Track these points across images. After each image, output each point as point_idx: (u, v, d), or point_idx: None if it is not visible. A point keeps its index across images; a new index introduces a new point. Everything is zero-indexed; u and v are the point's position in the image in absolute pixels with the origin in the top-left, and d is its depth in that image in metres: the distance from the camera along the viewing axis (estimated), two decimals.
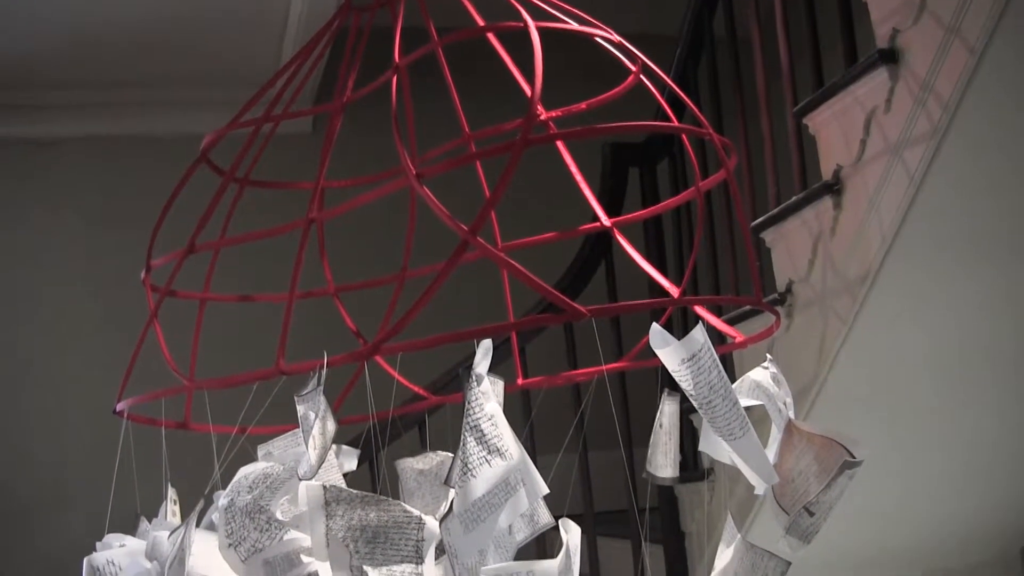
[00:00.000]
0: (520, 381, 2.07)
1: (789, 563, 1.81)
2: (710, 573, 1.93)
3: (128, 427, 1.86)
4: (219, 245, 1.89)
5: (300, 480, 1.59)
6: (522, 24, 1.64)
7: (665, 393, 1.92)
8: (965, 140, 2.53)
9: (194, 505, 1.64)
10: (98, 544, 1.81)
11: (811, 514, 1.85)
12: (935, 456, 3.40)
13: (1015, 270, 2.89)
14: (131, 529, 1.87)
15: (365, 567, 1.49)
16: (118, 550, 1.78)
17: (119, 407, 1.89)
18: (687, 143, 2.30)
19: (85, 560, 1.75)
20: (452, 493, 1.65)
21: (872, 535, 3.50)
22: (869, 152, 2.80)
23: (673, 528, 3.75)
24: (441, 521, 1.61)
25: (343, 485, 1.62)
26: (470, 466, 1.54)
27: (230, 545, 1.58)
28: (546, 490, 1.65)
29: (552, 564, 1.59)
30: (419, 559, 1.54)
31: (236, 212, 2.03)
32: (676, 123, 2.17)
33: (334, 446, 1.84)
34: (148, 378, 1.69)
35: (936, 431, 3.31)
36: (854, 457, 1.79)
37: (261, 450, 1.88)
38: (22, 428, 5.40)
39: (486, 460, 1.56)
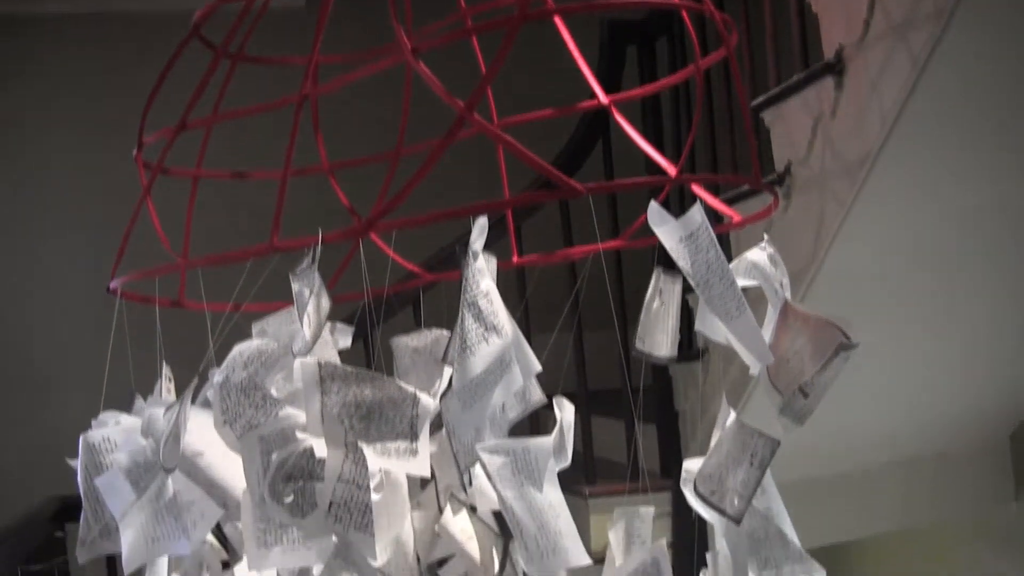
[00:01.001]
0: (515, 259, 2.06)
1: (778, 442, 1.82)
2: (703, 452, 1.94)
3: (122, 306, 1.86)
4: (211, 122, 1.87)
5: (295, 357, 1.59)
6: None
7: (660, 271, 1.91)
8: (971, 23, 2.49)
9: (189, 383, 1.64)
10: (93, 422, 1.82)
11: (805, 395, 1.86)
12: (927, 342, 3.41)
13: (1016, 157, 2.87)
14: (126, 407, 1.87)
15: (360, 443, 1.49)
16: (113, 428, 1.78)
17: (112, 285, 1.88)
18: (687, 20, 2.26)
19: (81, 438, 1.75)
20: (448, 371, 1.65)
21: (863, 419, 3.52)
22: (873, 33, 2.76)
23: (666, 408, 3.77)
24: (440, 399, 1.61)
25: (338, 362, 1.62)
26: (468, 343, 1.54)
27: (225, 422, 1.58)
28: (539, 368, 1.65)
29: (546, 441, 1.60)
30: (414, 436, 1.54)
31: (230, 90, 2.00)
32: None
33: (329, 323, 1.83)
34: (142, 258, 1.69)
35: (929, 317, 3.32)
36: (849, 339, 1.78)
37: (256, 327, 1.88)
38: (16, 309, 5.40)
39: (484, 338, 1.55)
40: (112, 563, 3.16)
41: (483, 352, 1.55)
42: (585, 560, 1.56)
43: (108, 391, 1.95)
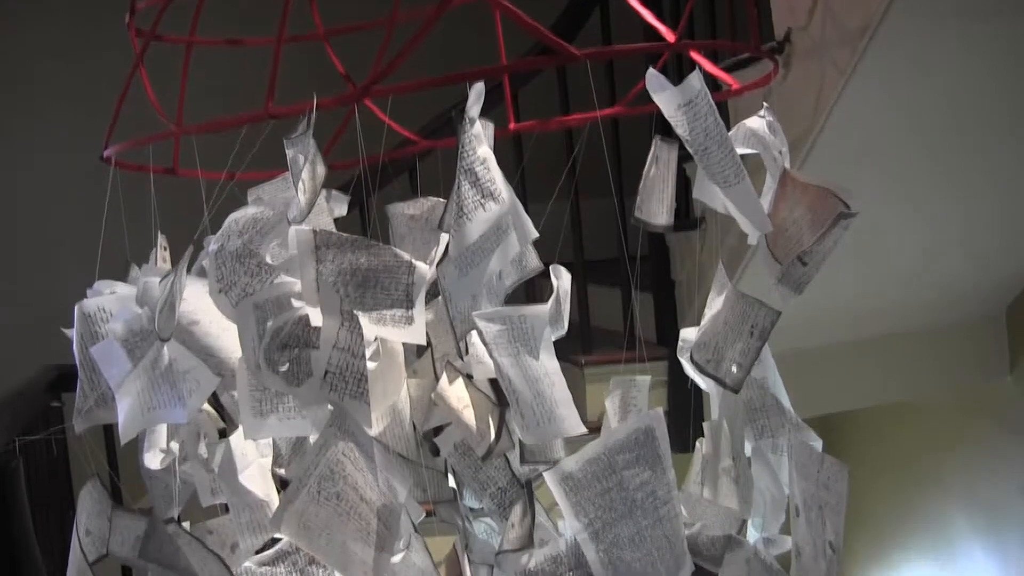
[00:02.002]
0: (512, 126, 2.03)
1: (779, 313, 1.81)
2: (699, 321, 1.94)
3: (116, 175, 1.84)
4: None
5: (290, 224, 1.57)
6: None
7: (659, 139, 1.89)
8: None
9: (184, 251, 1.63)
10: (89, 292, 1.81)
11: (804, 264, 1.85)
12: (924, 214, 3.40)
13: (1018, 30, 2.83)
14: (122, 277, 1.86)
15: (355, 311, 1.49)
16: (108, 297, 1.77)
17: (106, 154, 1.86)
18: None
19: (76, 307, 1.75)
20: (444, 238, 1.64)
21: (859, 290, 3.53)
22: None
23: (663, 277, 3.77)
24: (436, 265, 1.60)
25: (333, 230, 1.60)
26: (465, 210, 1.52)
27: (220, 290, 1.57)
28: (536, 234, 1.64)
29: (543, 309, 1.59)
30: (409, 303, 1.54)
31: None
32: None
33: (324, 191, 1.82)
34: (137, 130, 1.66)
35: (926, 190, 3.31)
36: (849, 208, 1.77)
37: (251, 195, 1.86)
38: (9, 182, 5.37)
39: (480, 204, 1.54)
40: (109, 432, 3.18)
41: (480, 218, 1.54)
42: (580, 429, 1.56)
43: (103, 261, 1.94)
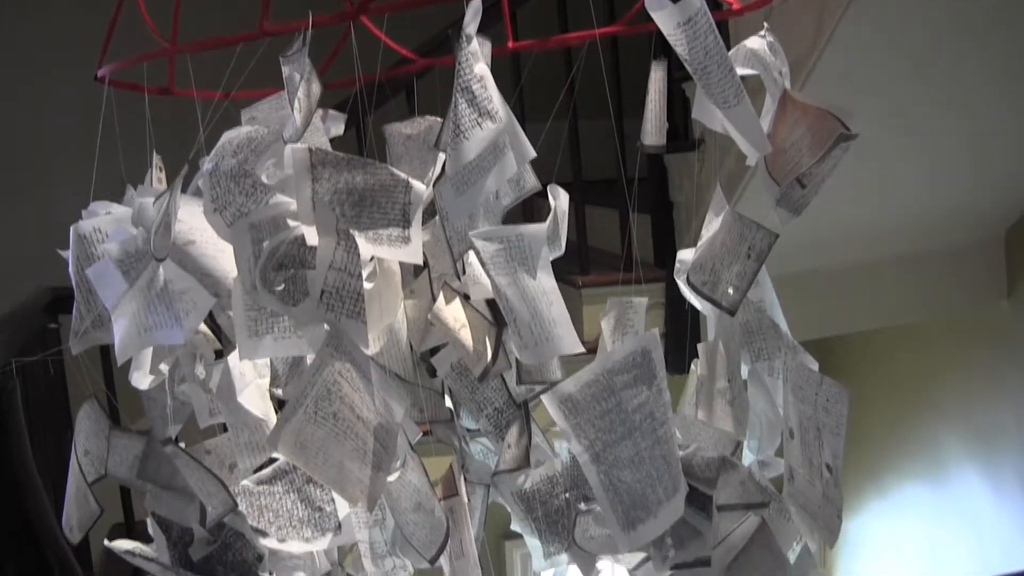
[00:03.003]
0: (511, 44, 2.01)
1: (776, 235, 1.81)
2: (697, 243, 1.93)
3: (111, 94, 1.82)
4: None
5: (285, 143, 1.56)
6: None
7: (656, 60, 1.88)
8: None
9: (179, 171, 1.61)
10: (84, 213, 1.80)
11: (803, 186, 1.84)
12: (923, 137, 3.38)
13: None
14: (117, 198, 1.85)
15: (352, 231, 1.48)
16: (104, 217, 1.76)
17: (100, 73, 1.85)
18: None
19: (72, 228, 1.74)
20: (441, 157, 1.63)
21: (859, 213, 3.52)
22: None
23: (661, 198, 3.75)
24: (433, 184, 1.59)
25: (329, 149, 1.59)
26: (462, 128, 1.51)
27: (215, 210, 1.56)
28: (533, 154, 1.63)
29: (540, 228, 1.59)
30: (406, 223, 1.53)
31: None
32: None
33: (320, 110, 1.80)
34: (132, 49, 1.64)
35: (926, 112, 3.29)
36: (849, 130, 1.76)
37: (245, 114, 1.85)
38: (1, 102, 5.33)
39: (477, 123, 1.52)
40: (107, 353, 3.18)
41: (477, 137, 1.52)
42: (578, 348, 1.56)
43: (98, 182, 1.93)
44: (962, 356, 4.32)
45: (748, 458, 1.94)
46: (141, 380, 1.83)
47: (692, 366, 1.99)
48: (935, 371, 4.45)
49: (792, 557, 1.88)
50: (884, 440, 4.70)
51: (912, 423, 4.56)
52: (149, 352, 1.82)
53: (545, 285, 1.57)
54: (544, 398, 1.59)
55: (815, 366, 1.87)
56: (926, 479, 4.53)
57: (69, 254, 1.76)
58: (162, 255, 1.58)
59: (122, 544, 1.93)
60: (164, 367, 1.84)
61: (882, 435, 4.70)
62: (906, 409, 4.58)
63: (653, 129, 1.91)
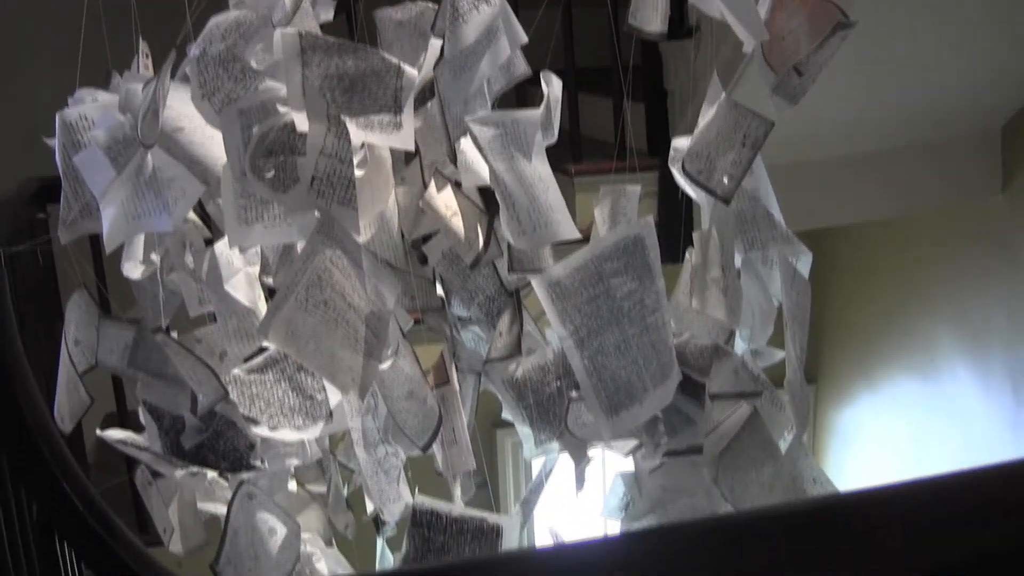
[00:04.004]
0: None
1: (772, 123, 1.79)
2: (692, 132, 1.91)
3: None
4: None
5: (274, 28, 1.54)
6: None
7: None
8: None
9: (166, 57, 1.59)
10: (70, 100, 1.77)
11: (800, 74, 1.82)
12: (923, 25, 3.34)
13: None
14: (103, 85, 1.83)
15: (342, 116, 1.46)
16: (90, 105, 1.74)
17: None
18: None
19: (57, 116, 1.72)
20: (434, 43, 1.60)
21: (854, 104, 3.48)
22: None
23: (656, 86, 3.71)
24: (434, 68, 1.57)
25: (319, 33, 1.56)
26: (460, 12, 1.49)
27: (203, 96, 1.54)
28: (525, 38, 1.60)
29: (535, 113, 1.57)
30: (397, 108, 1.51)
31: None
32: None
33: None
34: None
35: (921, 4, 3.24)
36: (847, 18, 1.74)
37: None
38: None
39: (475, 6, 1.50)
40: (96, 243, 3.17)
41: (475, 21, 1.50)
42: (574, 234, 1.55)
43: (83, 70, 1.90)
44: (955, 251, 4.31)
45: (740, 347, 1.94)
46: (133, 270, 1.82)
47: (686, 255, 1.98)
48: (928, 266, 4.44)
49: (783, 446, 1.89)
50: (876, 333, 4.71)
51: (903, 317, 4.56)
52: (141, 241, 1.81)
53: (541, 171, 1.56)
54: (533, 281, 1.59)
55: (808, 257, 1.86)
56: (916, 373, 4.55)
57: (56, 142, 1.74)
58: (150, 142, 1.56)
59: (114, 433, 1.93)
60: (155, 256, 1.83)
61: (874, 328, 4.71)
62: (898, 303, 4.59)
63: (652, 14, 1.88)
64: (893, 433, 4.70)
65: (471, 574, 0.45)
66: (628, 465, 1.95)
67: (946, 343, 4.42)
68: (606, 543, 0.50)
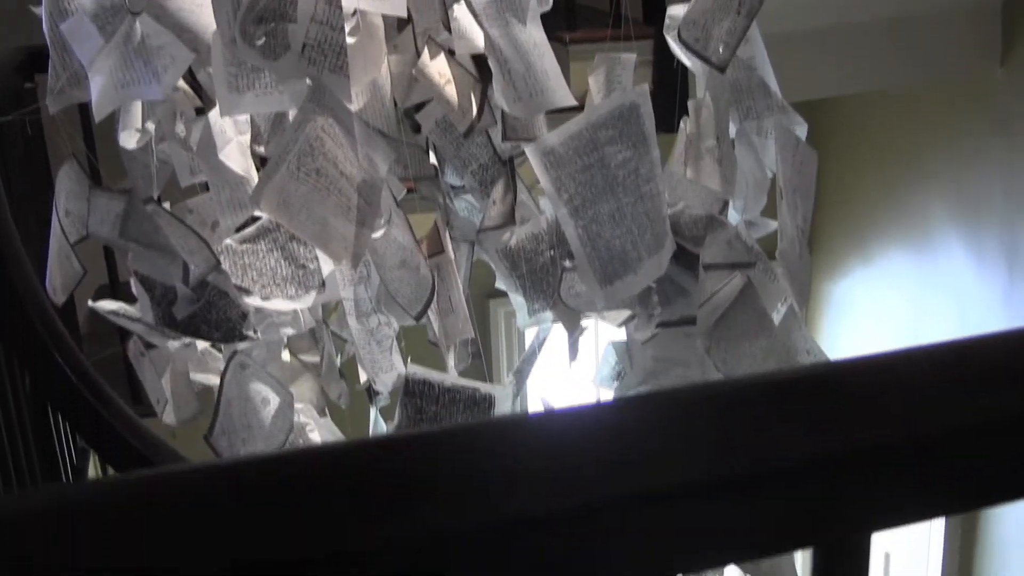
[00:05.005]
0: None
1: None
2: None
3: None
4: None
5: None
6: None
7: None
8: None
9: None
10: None
11: None
12: None
13: None
14: None
15: None
16: None
17: None
18: None
19: None
20: None
21: None
22: None
23: None
24: None
25: None
26: None
27: None
28: None
29: None
30: None
31: None
32: None
33: None
34: None
35: None
36: None
37: None
38: None
39: None
40: (85, 113, 3.14)
41: None
42: (570, 100, 1.54)
43: None
44: (953, 124, 4.28)
45: (734, 218, 1.94)
46: (129, 139, 1.81)
47: (681, 124, 1.96)
48: (924, 139, 4.42)
49: (777, 318, 1.89)
50: (871, 206, 4.70)
51: (900, 190, 4.55)
52: (137, 111, 1.79)
53: (536, 37, 1.54)
54: (527, 149, 1.58)
55: (803, 127, 1.84)
56: (911, 246, 4.55)
57: (42, 10, 1.71)
58: (138, 8, 1.54)
59: (106, 305, 1.93)
60: (150, 125, 1.81)
61: (870, 201, 4.70)
62: (895, 176, 4.57)
63: None
64: (887, 306, 4.72)
65: (461, 439, 0.45)
66: (621, 335, 1.96)
67: (941, 217, 4.42)
68: (598, 409, 0.49)
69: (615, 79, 1.82)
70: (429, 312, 1.75)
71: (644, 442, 0.48)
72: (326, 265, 1.70)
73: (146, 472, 0.44)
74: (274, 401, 1.83)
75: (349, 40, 1.49)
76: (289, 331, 1.90)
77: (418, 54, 1.67)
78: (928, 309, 4.52)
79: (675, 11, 1.89)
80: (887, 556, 4.49)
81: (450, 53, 1.67)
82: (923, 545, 4.32)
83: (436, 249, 1.78)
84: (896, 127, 4.54)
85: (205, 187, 1.83)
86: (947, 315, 4.42)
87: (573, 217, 1.59)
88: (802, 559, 2.42)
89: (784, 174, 1.79)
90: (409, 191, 1.83)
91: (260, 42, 1.50)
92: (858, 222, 4.79)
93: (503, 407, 1.85)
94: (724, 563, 0.67)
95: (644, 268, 1.64)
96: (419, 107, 1.75)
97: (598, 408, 0.52)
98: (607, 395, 1.98)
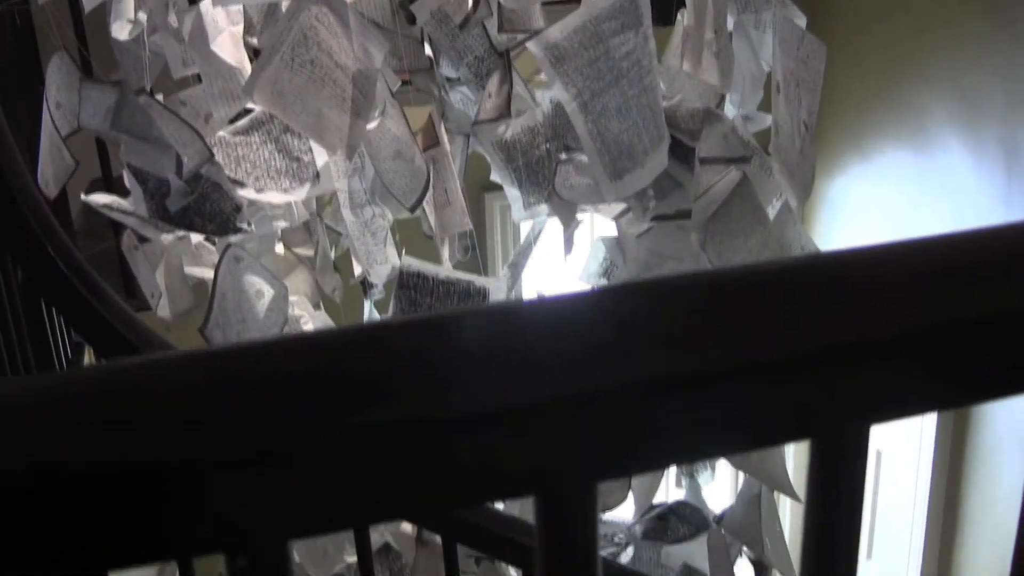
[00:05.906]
0: None
1: None
2: None
3: None
4: None
5: None
6: None
7: None
8: None
9: None
10: None
11: None
12: None
13: None
14: None
15: None
16: None
17: None
18: None
19: None
20: None
21: None
22: None
23: None
24: None
25: None
26: None
27: None
28: None
29: None
30: None
31: None
32: None
33: None
34: None
35: None
36: None
37: None
38: None
39: None
40: (76, 6, 3.10)
41: None
42: None
43: None
44: (956, 22, 4.23)
45: (731, 112, 1.92)
46: (121, 30, 1.78)
47: (678, 16, 1.94)
48: (924, 35, 4.37)
49: (772, 213, 1.88)
50: (869, 103, 4.67)
51: (899, 88, 4.51)
52: (129, 2, 1.76)
53: None
54: (530, 45, 1.55)
55: (802, 21, 1.82)
56: (908, 144, 4.52)
57: None
58: None
59: (100, 198, 1.92)
60: (142, 16, 1.78)
61: (868, 98, 4.66)
62: (892, 73, 4.53)
63: None
64: (883, 203, 4.70)
65: (453, 325, 0.44)
66: (610, 230, 1.95)
67: (939, 114, 4.39)
68: (594, 296, 0.49)
69: None
70: (424, 204, 1.74)
71: (638, 330, 0.48)
72: (320, 157, 1.69)
73: (100, 367, 0.44)
74: (268, 293, 1.82)
75: None
76: (283, 224, 1.89)
77: None
78: (925, 207, 4.51)
79: None
80: (879, 454, 4.53)
81: None
82: (914, 445, 4.37)
83: (431, 141, 1.77)
84: (894, 21, 4.49)
85: (198, 79, 1.81)
86: (944, 214, 4.41)
87: (582, 112, 1.57)
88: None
89: (785, 67, 1.77)
90: (404, 83, 1.81)
91: None
92: (856, 118, 4.76)
93: (497, 300, 1.85)
94: (720, 454, 0.67)
95: (650, 161, 1.63)
96: None
97: (595, 295, 0.52)
98: None
